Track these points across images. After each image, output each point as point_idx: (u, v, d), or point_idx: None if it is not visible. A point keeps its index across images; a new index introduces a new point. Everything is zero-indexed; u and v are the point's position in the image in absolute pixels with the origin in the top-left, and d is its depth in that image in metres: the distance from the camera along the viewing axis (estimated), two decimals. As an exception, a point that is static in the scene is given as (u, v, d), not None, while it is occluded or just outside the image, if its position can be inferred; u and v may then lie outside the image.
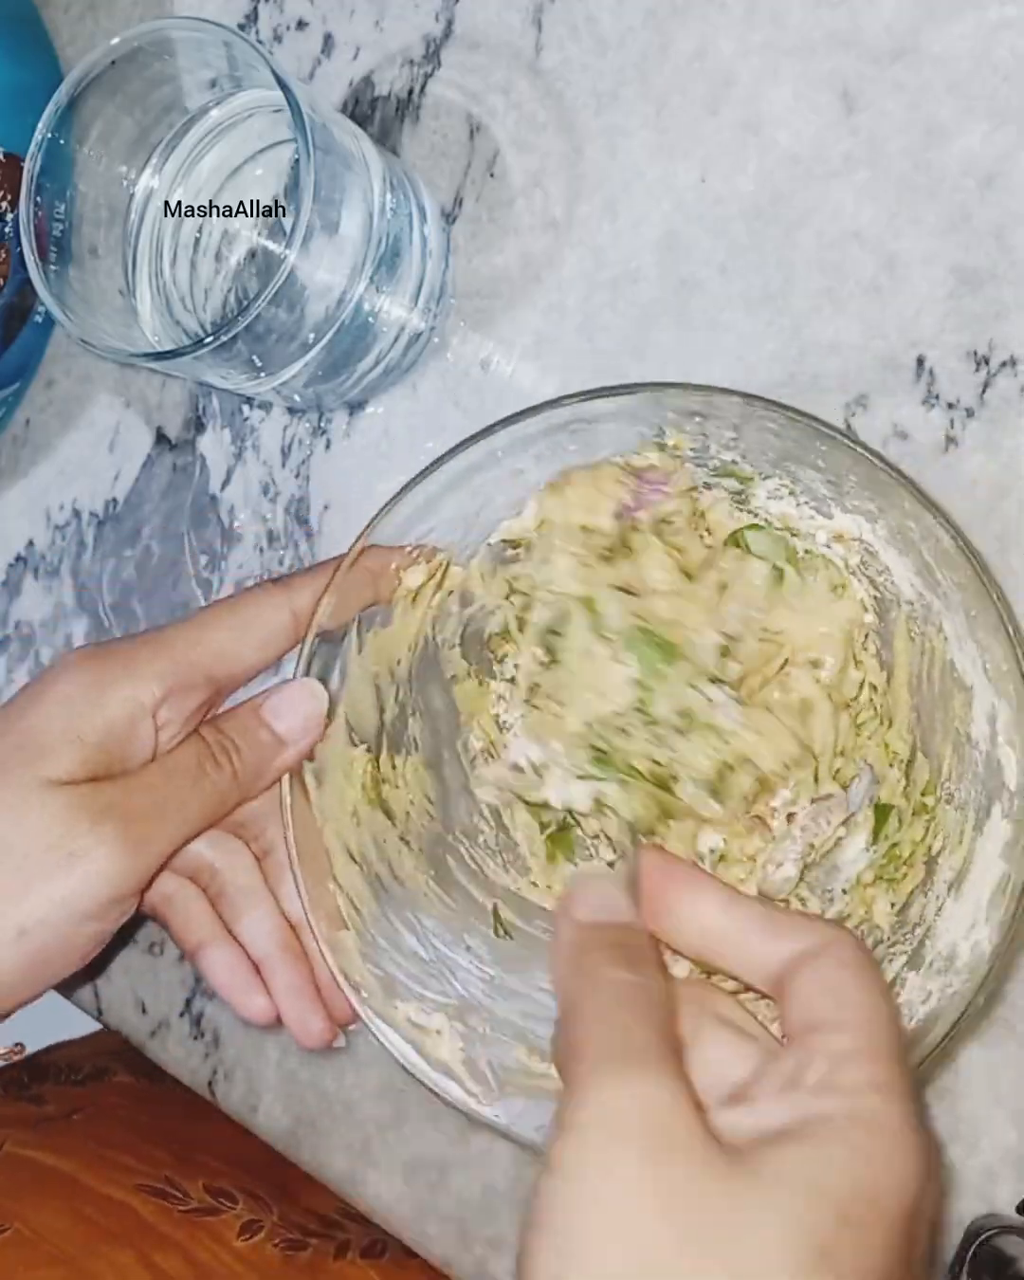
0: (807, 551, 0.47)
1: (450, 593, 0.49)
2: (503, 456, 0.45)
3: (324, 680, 0.46)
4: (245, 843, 0.49)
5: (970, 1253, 0.44)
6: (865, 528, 0.45)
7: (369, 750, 0.48)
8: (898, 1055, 0.33)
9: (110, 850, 0.42)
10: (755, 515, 0.47)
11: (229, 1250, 0.53)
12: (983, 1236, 0.44)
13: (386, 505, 0.44)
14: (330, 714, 0.46)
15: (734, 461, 0.46)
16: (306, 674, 0.46)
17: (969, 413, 0.47)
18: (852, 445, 0.41)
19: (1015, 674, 0.39)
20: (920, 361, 0.48)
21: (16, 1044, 0.50)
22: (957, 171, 0.47)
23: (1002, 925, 0.40)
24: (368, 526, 0.45)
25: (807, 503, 0.46)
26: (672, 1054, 0.32)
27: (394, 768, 0.49)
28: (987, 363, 0.47)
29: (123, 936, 0.50)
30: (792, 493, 0.46)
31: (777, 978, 0.35)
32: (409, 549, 0.46)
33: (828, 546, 0.46)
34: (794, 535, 0.47)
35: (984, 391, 0.47)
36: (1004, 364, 0.47)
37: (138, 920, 0.47)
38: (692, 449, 0.45)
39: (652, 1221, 0.29)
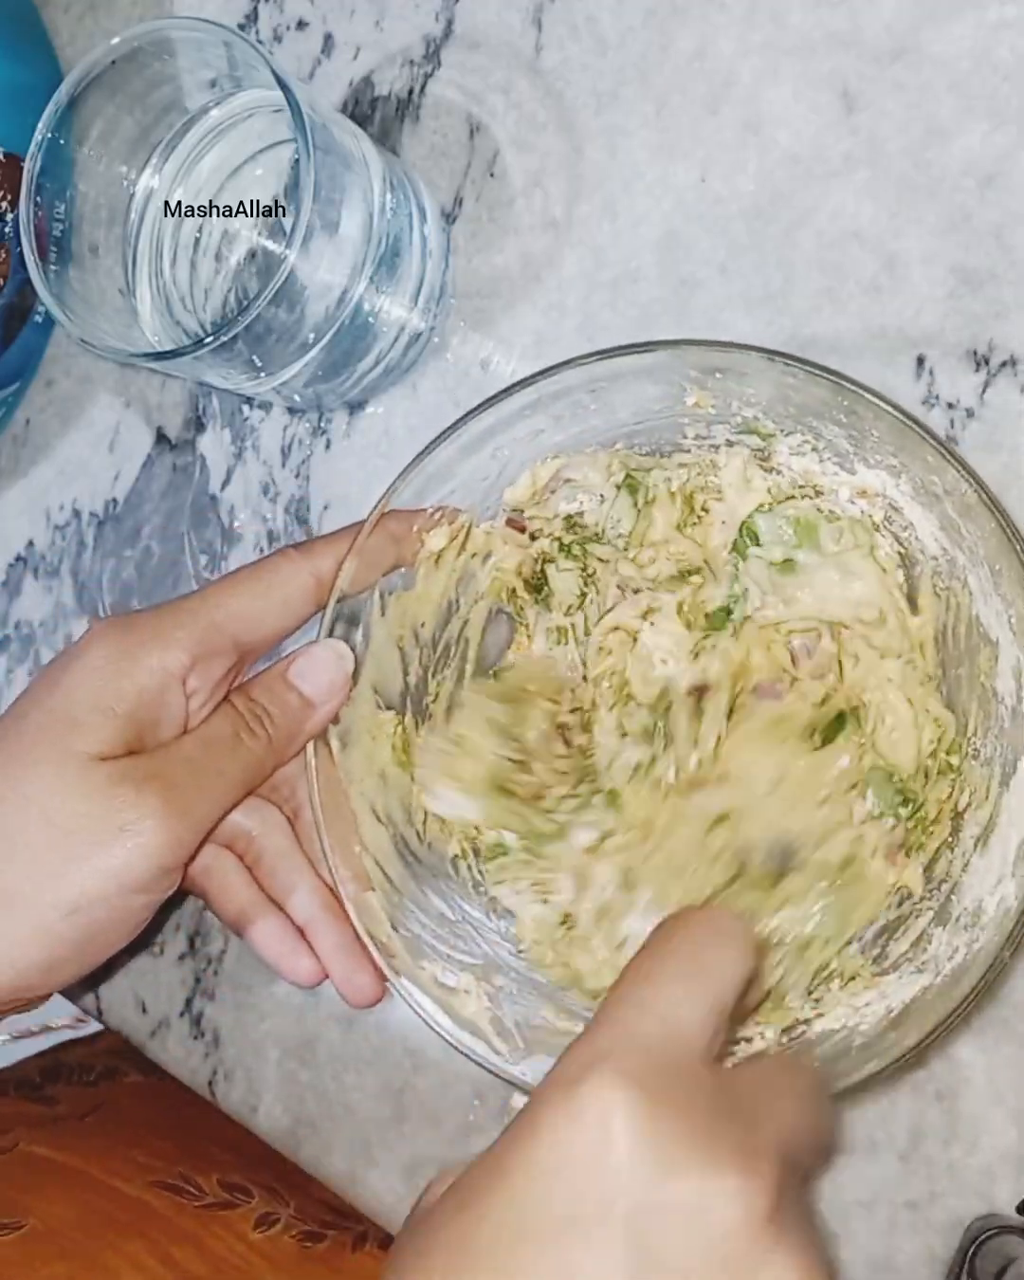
0: (832, 513, 0.47)
1: (474, 555, 0.49)
2: (520, 418, 0.45)
3: (348, 643, 0.46)
4: (277, 806, 0.49)
5: (970, 1253, 0.44)
6: (889, 483, 0.45)
7: (397, 713, 0.49)
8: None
9: (157, 822, 0.42)
10: (779, 472, 0.47)
11: (244, 1242, 0.53)
12: (983, 1236, 0.44)
13: (405, 470, 0.45)
14: (355, 676, 0.47)
15: (755, 417, 0.46)
16: (329, 637, 0.46)
17: (969, 413, 0.47)
18: (875, 399, 0.41)
19: None
20: (920, 361, 0.48)
21: (79, 1016, 0.50)
22: (957, 171, 0.47)
23: None
24: (388, 491, 0.45)
25: (830, 459, 0.46)
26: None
27: (419, 730, 0.50)
28: (987, 363, 0.47)
29: (145, 934, 0.50)
30: (814, 449, 0.46)
31: None
32: (430, 511, 0.47)
33: (851, 502, 0.46)
34: (817, 493, 0.47)
35: (984, 391, 0.47)
36: (1004, 364, 0.47)
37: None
38: (712, 406, 0.45)
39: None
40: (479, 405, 0.44)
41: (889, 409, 0.40)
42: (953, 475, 0.40)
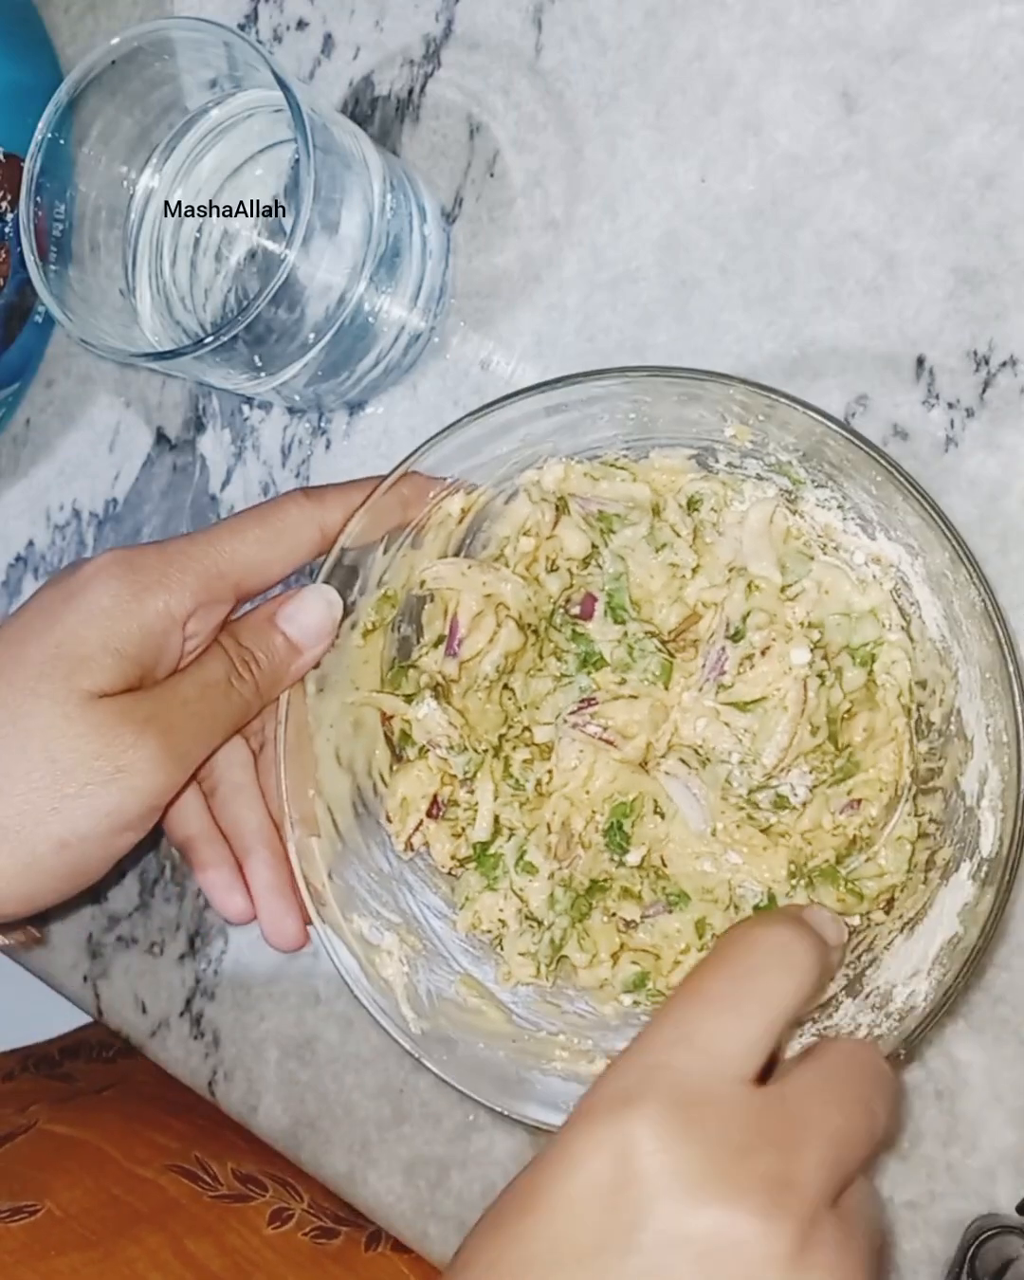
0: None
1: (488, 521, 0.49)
2: (559, 411, 0.45)
3: (345, 594, 0.47)
4: (244, 738, 0.50)
5: (970, 1253, 0.44)
6: (905, 559, 0.45)
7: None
8: None
9: (153, 764, 0.43)
10: (803, 518, 0.47)
11: (259, 1237, 0.53)
12: (983, 1236, 0.44)
13: (433, 436, 0.45)
14: (343, 623, 0.47)
15: (789, 463, 0.46)
16: (327, 583, 0.46)
17: (969, 413, 0.47)
18: (907, 488, 0.41)
19: (1014, 747, 0.40)
20: (920, 361, 0.48)
21: (31, 929, 0.50)
22: (957, 171, 0.47)
23: (940, 985, 0.41)
24: (413, 453, 0.45)
25: (853, 519, 0.46)
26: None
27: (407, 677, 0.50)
28: (987, 363, 0.47)
29: (126, 937, 0.50)
30: (840, 506, 0.46)
31: None
32: (448, 481, 0.47)
33: (865, 565, 0.46)
34: (834, 549, 0.47)
35: (984, 391, 0.47)
36: (1004, 364, 0.47)
37: (139, 924, 0.47)
38: (751, 441, 0.45)
39: None
40: (524, 389, 0.43)
41: (917, 499, 0.41)
42: (964, 575, 0.40)
